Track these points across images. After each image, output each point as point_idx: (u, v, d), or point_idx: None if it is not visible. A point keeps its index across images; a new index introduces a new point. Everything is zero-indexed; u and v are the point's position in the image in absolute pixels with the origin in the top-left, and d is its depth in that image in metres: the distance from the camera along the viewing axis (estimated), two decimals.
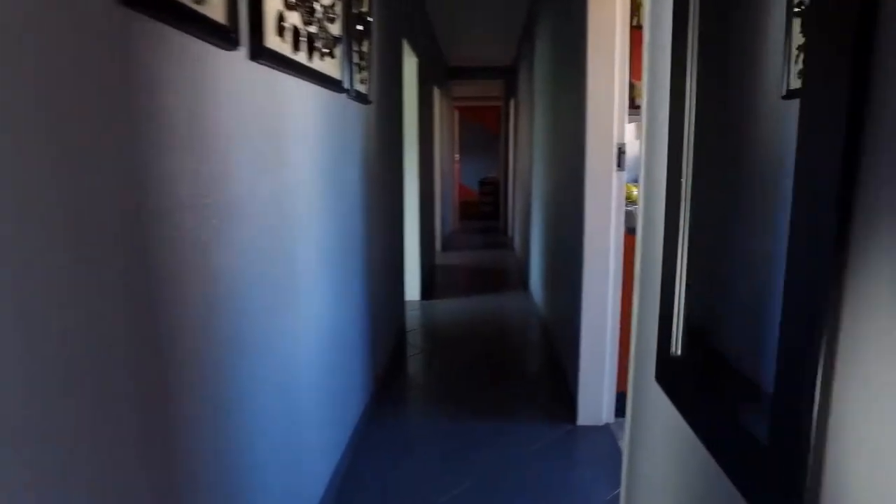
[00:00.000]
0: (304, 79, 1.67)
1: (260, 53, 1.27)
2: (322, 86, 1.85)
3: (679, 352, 1.25)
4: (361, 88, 2.35)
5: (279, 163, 1.52)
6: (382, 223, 3.10)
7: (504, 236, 8.78)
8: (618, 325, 2.50)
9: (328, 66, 1.86)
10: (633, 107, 2.48)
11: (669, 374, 1.29)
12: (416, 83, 4.54)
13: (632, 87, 2.44)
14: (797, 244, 0.73)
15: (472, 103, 10.82)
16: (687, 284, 1.25)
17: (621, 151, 2.36)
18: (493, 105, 10.18)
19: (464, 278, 5.96)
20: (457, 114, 9.97)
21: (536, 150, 4.60)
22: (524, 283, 5.43)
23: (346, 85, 2.08)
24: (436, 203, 6.88)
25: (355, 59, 2.22)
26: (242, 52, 1.23)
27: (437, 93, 6.82)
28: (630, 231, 2.45)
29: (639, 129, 3.83)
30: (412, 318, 4.39)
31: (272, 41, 1.33)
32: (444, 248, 7.66)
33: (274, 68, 1.43)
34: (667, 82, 1.34)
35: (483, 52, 7.62)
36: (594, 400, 2.55)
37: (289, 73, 1.55)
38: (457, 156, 10.06)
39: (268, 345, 1.45)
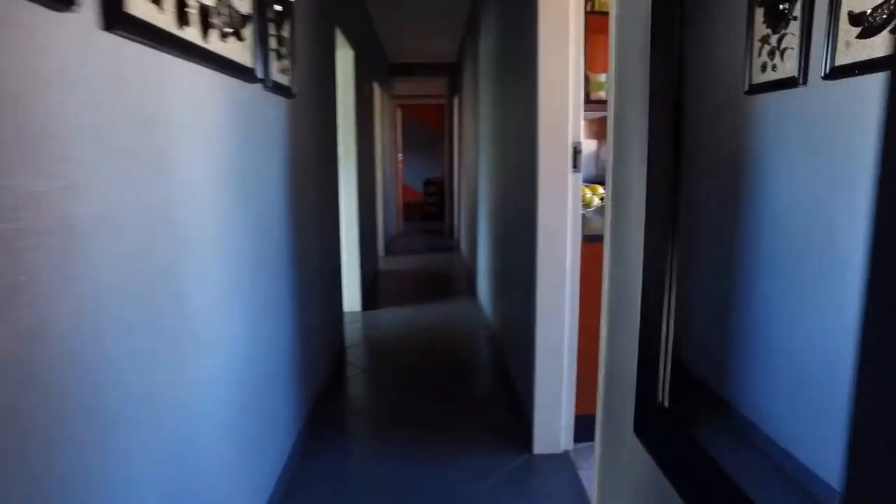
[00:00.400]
0: (198, 63, 1.34)
1: (117, 21, 0.94)
2: (226, 73, 1.52)
3: (667, 402, 1.00)
4: (282, 79, 2.03)
5: (161, 167, 1.19)
6: (315, 229, 2.78)
7: (450, 239, 8.54)
8: (576, 343, 2.27)
9: (233, 50, 1.53)
10: (589, 102, 2.27)
11: (653, 428, 1.05)
12: (352, 78, 4.21)
13: (587, 80, 2.22)
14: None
15: (415, 101, 10.53)
16: (675, 313, 1.01)
17: (577, 151, 2.13)
18: (438, 103, 9.92)
19: (409, 285, 5.66)
20: (399, 112, 9.65)
21: (482, 150, 4.36)
22: (472, 290, 5.19)
23: (260, 74, 1.75)
24: (378, 205, 6.56)
25: (272, 44, 1.89)
26: (88, 18, 0.91)
27: (377, 90, 6.50)
28: (588, 239, 2.23)
29: (592, 125, 3.65)
30: (352, 331, 4.07)
31: (138, 7, 1.00)
32: (388, 252, 7.35)
33: (148, 45, 1.10)
34: (639, 76, 1.10)
35: (426, 48, 7.35)
36: (551, 425, 2.32)
37: (175, 55, 1.22)
38: (400, 155, 9.75)
39: (150, 408, 1.12)
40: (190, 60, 1.29)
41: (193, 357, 1.35)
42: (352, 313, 4.49)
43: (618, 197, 1.29)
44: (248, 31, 1.64)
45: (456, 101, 7.85)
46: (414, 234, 9.24)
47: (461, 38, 6.50)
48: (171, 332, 1.23)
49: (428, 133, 11.93)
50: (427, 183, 10.74)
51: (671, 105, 0.95)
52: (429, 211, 10.66)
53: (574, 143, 2.12)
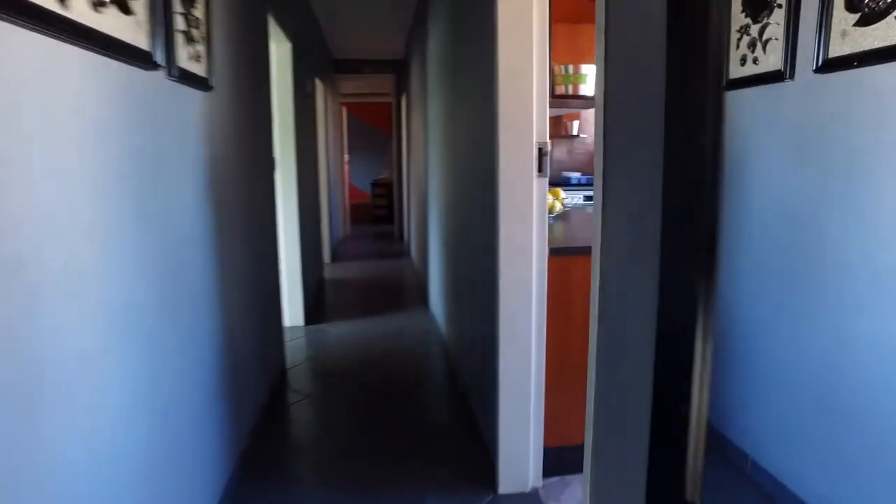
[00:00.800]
0: (56, 37, 1.00)
1: None
2: (107, 55, 1.18)
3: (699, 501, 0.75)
4: (194, 68, 1.69)
5: None
6: (245, 240, 2.43)
7: (400, 243, 8.22)
8: (543, 370, 2.02)
9: (116, 26, 1.19)
10: (553, 96, 2.02)
11: None
12: (290, 73, 3.85)
13: (551, 72, 1.97)
14: None
15: (361, 99, 10.16)
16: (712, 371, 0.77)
17: (543, 153, 1.88)
18: (384, 101, 9.58)
19: (357, 295, 5.32)
20: (345, 111, 9.26)
21: (432, 151, 4.08)
22: (424, 299, 4.90)
23: (160, 59, 1.41)
24: (322, 208, 6.19)
25: (179, 24, 1.55)
26: None
27: (320, 87, 6.13)
28: (554, 252, 1.99)
29: (564, 122, 3.42)
30: (295, 349, 3.72)
31: None
32: (335, 258, 6.97)
33: None
34: (643, 63, 0.85)
35: (372, 44, 7.01)
36: (518, 460, 2.06)
37: (10, 20, 0.89)
38: (346, 156, 9.36)
39: None
40: (40, 32, 0.95)
41: (59, 426, 1.01)
42: (294, 329, 4.13)
43: (612, 208, 1.03)
44: (139, 4, 1.30)
45: (403, 100, 7.54)
46: (362, 237, 8.87)
47: (408, 33, 6.21)
48: (16, 399, 0.89)
49: (375, 133, 11.57)
50: (375, 184, 10.38)
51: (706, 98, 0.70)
52: (377, 213, 10.30)
53: (539, 143, 1.87)
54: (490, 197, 2.03)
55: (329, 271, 6.23)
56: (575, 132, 4.42)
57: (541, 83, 1.85)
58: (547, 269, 1.95)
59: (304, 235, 4.26)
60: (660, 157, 0.78)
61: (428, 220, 4.56)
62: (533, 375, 2.00)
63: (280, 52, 3.78)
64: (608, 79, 1.01)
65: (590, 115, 7.01)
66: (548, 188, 1.97)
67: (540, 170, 1.89)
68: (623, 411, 0.99)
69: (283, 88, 3.85)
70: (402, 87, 7.88)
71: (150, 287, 1.41)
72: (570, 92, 2.00)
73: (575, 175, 6.41)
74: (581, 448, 1.19)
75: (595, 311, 1.12)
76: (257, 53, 2.81)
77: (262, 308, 2.79)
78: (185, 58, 1.60)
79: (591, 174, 5.10)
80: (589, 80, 2.00)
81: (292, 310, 4.18)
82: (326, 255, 6.61)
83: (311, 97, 5.13)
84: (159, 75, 1.46)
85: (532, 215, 1.91)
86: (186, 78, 1.61)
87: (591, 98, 1.98)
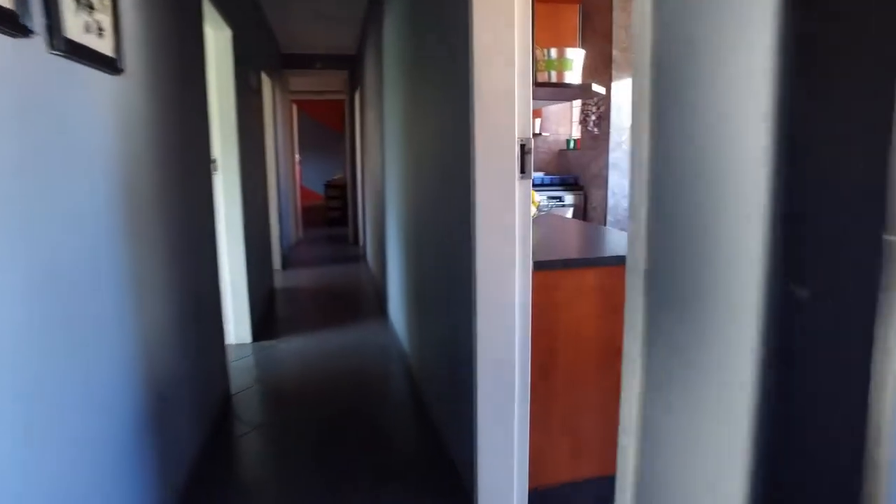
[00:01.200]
0: None
1: None
2: None
3: None
4: (94, 43, 1.33)
5: None
6: (171, 248, 2.06)
7: (355, 246, 7.85)
8: (528, 401, 1.75)
9: None
10: (536, 85, 1.75)
11: None
12: (230, 62, 3.47)
13: (534, 57, 1.70)
14: None
15: (313, 97, 9.71)
16: None
17: (526, 150, 1.61)
18: (338, 99, 9.18)
19: (310, 305, 4.95)
20: (296, 108, 8.82)
21: (389, 150, 3.77)
22: (382, 308, 4.58)
23: (36, 24, 1.06)
24: (271, 212, 5.78)
25: None
26: None
27: (268, 82, 5.72)
28: (540, 266, 1.72)
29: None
30: (242, 371, 3.34)
31: None
32: (286, 265, 6.56)
33: None
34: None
35: (322, 37, 6.63)
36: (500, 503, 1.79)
37: None
38: (297, 156, 8.92)
39: None
40: None
41: None
42: (241, 347, 3.74)
43: (664, 205, 0.75)
44: None
45: (357, 97, 7.18)
46: (316, 241, 8.45)
47: (362, 26, 5.87)
48: None
49: (328, 132, 11.13)
50: (328, 186, 9.95)
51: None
52: (331, 216, 9.88)
53: (522, 139, 1.60)
54: (464, 203, 1.74)
55: (280, 280, 5.82)
56: (537, 130, 4.20)
57: (523, 69, 1.57)
58: (531, 287, 1.68)
59: (249, 242, 3.88)
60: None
61: (385, 225, 4.24)
62: (517, 408, 1.73)
63: (219, 39, 3.40)
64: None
65: (552, 112, 6.81)
66: (531, 191, 1.70)
67: (523, 170, 1.61)
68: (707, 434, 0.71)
69: (223, 80, 3.47)
70: (355, 83, 7.52)
71: (31, 314, 1.05)
72: (554, 79, 1.74)
73: (538, 175, 6.21)
74: (568, 486, 0.91)
75: (635, 350, 0.84)
76: (188, 36, 2.44)
77: (199, 326, 2.42)
78: (79, 28, 1.25)
79: (556, 174, 4.86)
80: (575, 66, 1.74)
81: (238, 326, 3.80)
82: (277, 261, 6.19)
83: (258, 92, 4.74)
84: (36, 46, 1.10)
85: (514, 224, 1.63)
86: (81, 54, 1.26)
87: (578, 87, 1.73)
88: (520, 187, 1.62)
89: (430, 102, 2.29)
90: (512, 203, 1.62)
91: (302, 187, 10.90)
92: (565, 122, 6.91)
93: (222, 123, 3.50)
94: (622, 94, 5.12)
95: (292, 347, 3.75)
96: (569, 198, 5.80)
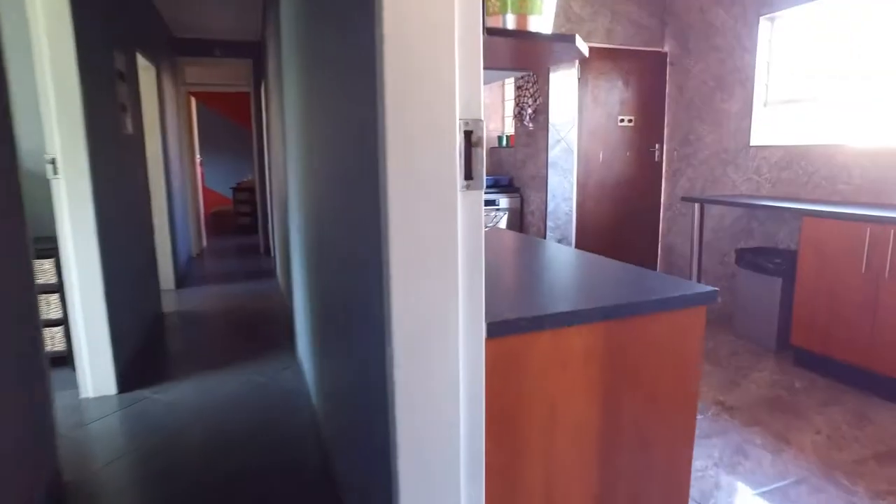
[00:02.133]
0: None
1: None
2: None
3: None
4: None
5: None
6: None
7: (267, 258, 6.97)
8: None
9: None
10: (489, 32, 1.12)
11: None
12: (67, 32, 2.62)
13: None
14: None
15: (219, 89, 8.68)
16: None
17: (472, 141, 0.96)
18: (244, 91, 8.23)
19: (204, 336, 4.09)
20: (194, 101, 7.80)
21: (290, 147, 3.03)
22: (291, 339, 3.82)
23: None
24: (157, 221, 4.87)
25: None
26: None
27: (150, 68, 4.81)
28: (498, 329, 1.07)
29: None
30: (92, 442, 2.51)
31: None
32: (182, 283, 5.62)
33: None
34: None
35: (219, 19, 5.74)
36: None
37: None
38: (199, 156, 7.90)
39: None
40: None
41: None
42: (100, 402, 2.89)
43: None
44: None
45: (263, 89, 6.33)
46: (223, 253, 7.49)
47: (262, 7, 5.05)
48: None
49: (237, 129, 10.09)
50: (237, 189, 8.96)
51: None
52: (241, 223, 8.90)
53: (468, 121, 0.95)
54: (372, 226, 1.08)
55: (173, 302, 4.91)
56: None
57: (468, 7, 0.92)
58: (484, 362, 1.04)
59: (111, 261, 3.03)
60: None
61: (289, 239, 3.49)
62: None
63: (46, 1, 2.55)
64: None
65: (489, 91, 6.22)
66: (483, 205, 1.05)
67: (469, 174, 0.97)
68: None
69: (59, 56, 2.62)
70: (260, 73, 6.66)
71: None
72: (514, 26, 1.10)
73: None
74: None
75: None
76: None
77: (14, 385, 1.62)
78: None
79: (488, 175, 4.23)
80: (546, 6, 1.11)
81: (95, 373, 2.94)
82: (169, 280, 5.27)
83: (129, 78, 3.85)
84: None
85: (455, 262, 0.98)
86: None
87: (551, 39, 1.10)
88: (464, 201, 0.98)
89: (328, 78, 1.60)
90: (452, 227, 0.97)
91: (208, 191, 9.83)
92: (496, 116, 6.36)
93: (60, 113, 2.65)
94: (562, 84, 4.61)
95: (171, 399, 2.94)
96: (503, 201, 5.24)
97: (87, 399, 2.92)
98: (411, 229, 0.94)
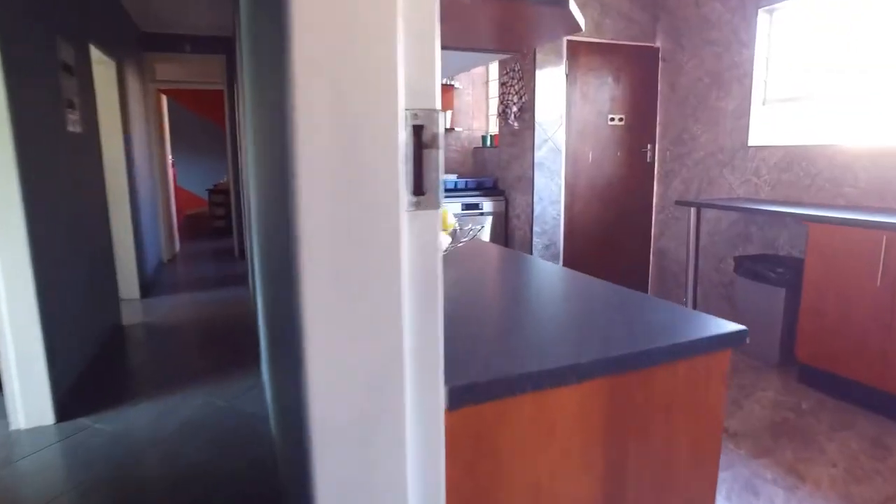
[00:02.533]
0: None
1: None
2: None
3: None
4: None
5: None
6: None
7: (242, 263, 6.64)
8: None
9: None
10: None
11: None
12: None
13: None
14: None
15: (193, 86, 8.31)
16: None
17: (424, 141, 0.68)
18: (218, 89, 7.87)
19: (165, 351, 3.77)
20: (165, 99, 7.46)
21: (249, 151, 2.74)
22: (257, 356, 3.52)
23: None
24: (116, 226, 4.54)
25: None
26: None
27: (108, 63, 4.48)
28: (467, 397, 0.80)
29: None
30: (36, 474, 2.19)
31: None
32: (149, 291, 5.28)
33: None
34: None
35: (189, 13, 5.41)
36: None
37: None
38: (171, 157, 7.55)
39: None
40: None
41: None
42: (33, 435, 2.57)
43: None
44: None
45: (236, 86, 6.00)
46: (197, 257, 7.15)
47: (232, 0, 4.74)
48: None
49: (214, 129, 9.74)
50: (213, 191, 8.62)
51: None
52: (217, 226, 8.55)
53: (414, 112, 0.67)
54: (284, 252, 0.80)
55: (135, 313, 4.57)
56: (448, 125, 3.34)
57: None
58: (444, 443, 0.76)
59: (47, 270, 2.71)
60: None
61: (253, 247, 3.19)
62: None
63: None
64: None
65: (465, 103, 5.94)
66: (440, 226, 0.77)
67: (419, 188, 0.69)
68: None
69: None
70: (233, 70, 6.33)
71: None
72: None
73: (449, 178, 5.32)
74: None
75: None
76: None
77: None
78: None
79: (471, 176, 3.95)
80: None
81: (30, 401, 2.63)
82: (133, 289, 4.94)
83: (79, 72, 3.52)
84: None
85: (398, 311, 0.70)
86: None
87: (539, 2, 0.82)
88: (412, 225, 0.70)
89: (258, 57, 1.32)
90: (392, 262, 0.69)
91: (183, 192, 9.47)
92: (480, 114, 6.08)
93: None
94: (549, 80, 4.34)
95: (117, 429, 2.62)
96: (487, 204, 4.96)
97: (19, 431, 2.60)
98: (332, 267, 0.66)
